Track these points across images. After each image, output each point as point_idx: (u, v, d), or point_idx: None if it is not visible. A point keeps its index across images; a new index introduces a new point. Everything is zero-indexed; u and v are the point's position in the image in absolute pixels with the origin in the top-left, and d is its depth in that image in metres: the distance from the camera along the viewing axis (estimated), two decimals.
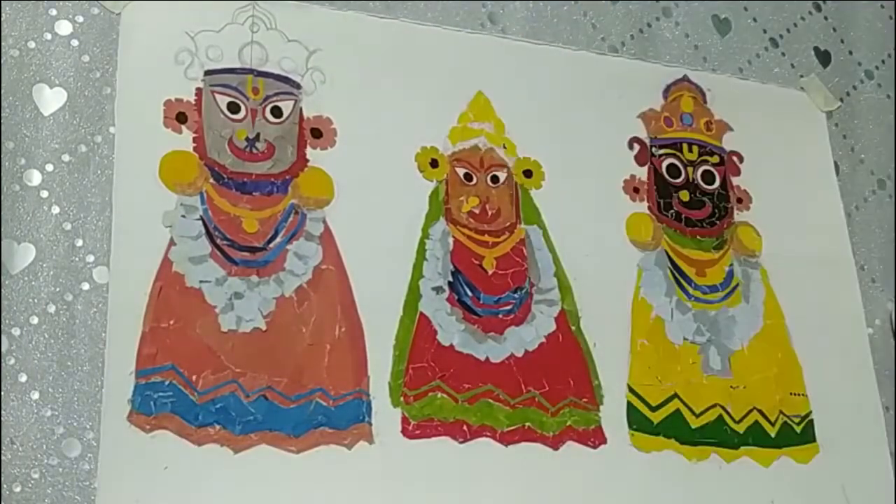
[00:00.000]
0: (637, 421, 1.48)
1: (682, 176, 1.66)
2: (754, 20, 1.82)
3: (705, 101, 1.72)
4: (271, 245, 1.38)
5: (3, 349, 1.23)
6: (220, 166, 1.39)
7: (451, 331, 1.42)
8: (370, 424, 1.34)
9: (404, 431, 1.36)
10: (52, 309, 1.26)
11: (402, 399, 1.37)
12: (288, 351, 1.34)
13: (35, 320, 1.25)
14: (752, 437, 1.53)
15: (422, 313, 1.42)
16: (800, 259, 1.67)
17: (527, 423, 1.41)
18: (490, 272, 1.48)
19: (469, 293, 1.45)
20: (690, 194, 1.65)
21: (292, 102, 1.45)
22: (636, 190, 1.62)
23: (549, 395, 1.44)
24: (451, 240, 1.47)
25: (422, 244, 1.46)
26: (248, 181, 1.40)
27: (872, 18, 1.92)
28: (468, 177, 1.51)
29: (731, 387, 1.55)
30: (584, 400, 1.46)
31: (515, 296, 1.48)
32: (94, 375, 1.25)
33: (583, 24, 1.68)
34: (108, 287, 1.29)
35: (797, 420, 1.57)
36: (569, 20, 1.68)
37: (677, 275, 1.58)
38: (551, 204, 1.54)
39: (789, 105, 1.79)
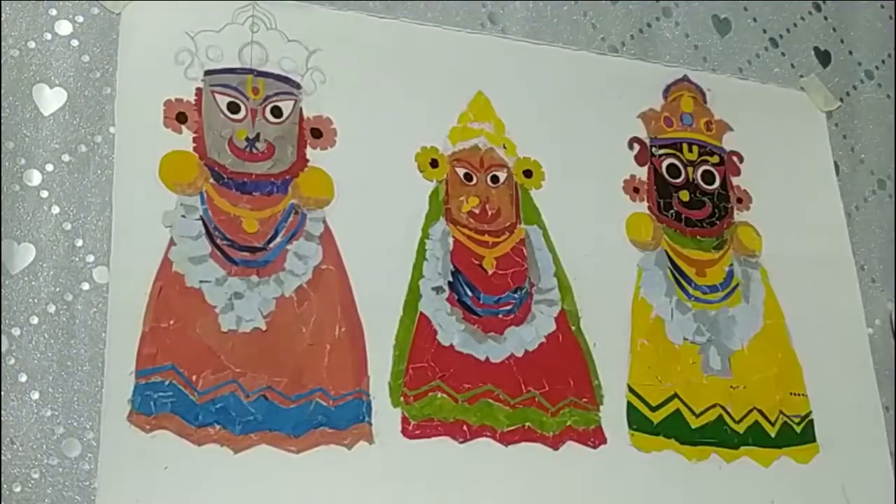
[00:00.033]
0: (637, 421, 1.48)
1: (682, 176, 1.66)
2: (754, 20, 1.82)
3: (705, 101, 1.72)
4: (271, 245, 1.38)
5: (3, 349, 1.23)
6: (220, 166, 1.39)
7: (451, 331, 1.42)
8: (370, 424, 1.34)
9: (404, 431, 1.36)
10: (52, 309, 1.26)
11: (402, 399, 1.37)
12: (288, 351, 1.34)
13: (35, 320, 1.25)
14: (752, 437, 1.53)
15: (422, 313, 1.42)
16: (800, 259, 1.67)
17: (527, 423, 1.41)
18: (490, 272, 1.48)
19: (469, 293, 1.45)
20: (690, 194, 1.65)
21: (292, 102, 1.45)
22: (636, 190, 1.62)
23: (549, 395, 1.44)
24: (451, 240, 1.47)
25: (422, 244, 1.46)
26: (248, 181, 1.40)
27: (872, 18, 1.92)
28: (468, 177, 1.51)
29: (731, 387, 1.55)
30: (584, 400, 1.46)
31: (515, 296, 1.48)
32: (94, 375, 1.25)
33: (583, 24, 1.68)
34: (108, 287, 1.29)
35: (797, 420, 1.57)
36: (569, 20, 1.68)
37: (677, 275, 1.58)
38: (551, 204, 1.54)
39: (789, 105, 1.79)
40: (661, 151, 1.66)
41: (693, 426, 1.50)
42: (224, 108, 1.42)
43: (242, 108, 1.43)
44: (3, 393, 1.21)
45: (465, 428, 1.39)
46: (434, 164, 1.50)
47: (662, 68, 1.72)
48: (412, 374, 1.38)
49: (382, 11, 1.56)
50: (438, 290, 1.44)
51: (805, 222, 1.71)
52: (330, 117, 1.46)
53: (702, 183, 1.66)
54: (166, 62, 1.41)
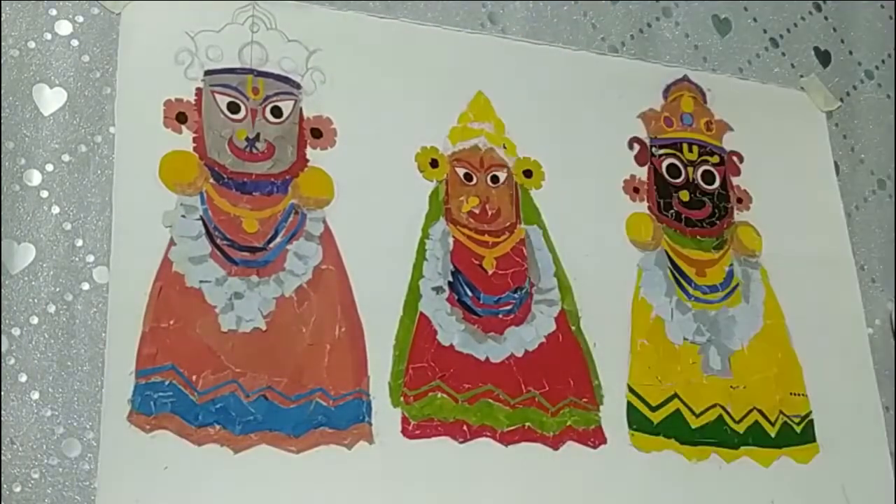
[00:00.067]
0: (637, 421, 1.48)
1: (682, 176, 1.66)
2: (754, 20, 1.82)
3: (705, 101, 1.72)
4: (271, 245, 1.38)
5: (3, 349, 1.23)
6: (220, 166, 1.39)
7: (451, 331, 1.42)
8: (370, 424, 1.34)
9: (404, 431, 1.36)
10: (52, 309, 1.26)
11: (402, 399, 1.37)
12: (288, 351, 1.34)
13: (35, 320, 1.25)
14: (752, 437, 1.53)
15: (422, 313, 1.42)
16: (800, 259, 1.67)
17: (527, 423, 1.41)
18: (490, 272, 1.48)
19: (469, 293, 1.45)
20: (690, 194, 1.65)
21: (292, 102, 1.45)
22: (636, 190, 1.62)
23: (549, 395, 1.44)
24: (451, 240, 1.47)
25: (422, 244, 1.46)
26: (248, 181, 1.40)
27: (872, 18, 1.92)
28: (468, 177, 1.51)
29: (731, 387, 1.55)
30: (584, 400, 1.46)
31: (515, 296, 1.48)
32: (94, 375, 1.25)
33: (583, 24, 1.68)
34: (108, 287, 1.29)
35: (797, 420, 1.57)
36: (569, 20, 1.68)
37: (677, 275, 1.58)
38: (551, 204, 1.54)
39: (789, 105, 1.79)
40: (661, 151, 1.66)
41: (693, 426, 1.50)
42: (224, 108, 1.42)
43: (242, 108, 1.43)
44: (3, 393, 1.21)
45: (465, 428, 1.39)
46: (434, 164, 1.50)
47: (662, 68, 1.72)
48: (412, 374, 1.38)
49: (382, 11, 1.56)
50: (438, 290, 1.44)
51: (805, 222, 1.71)
52: (330, 117, 1.46)
53: (702, 183, 1.66)
54: (166, 62, 1.41)
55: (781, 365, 1.59)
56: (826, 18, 1.88)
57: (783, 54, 1.82)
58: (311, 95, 1.47)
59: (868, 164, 1.81)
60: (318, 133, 1.45)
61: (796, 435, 1.56)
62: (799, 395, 1.58)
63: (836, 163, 1.78)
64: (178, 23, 1.43)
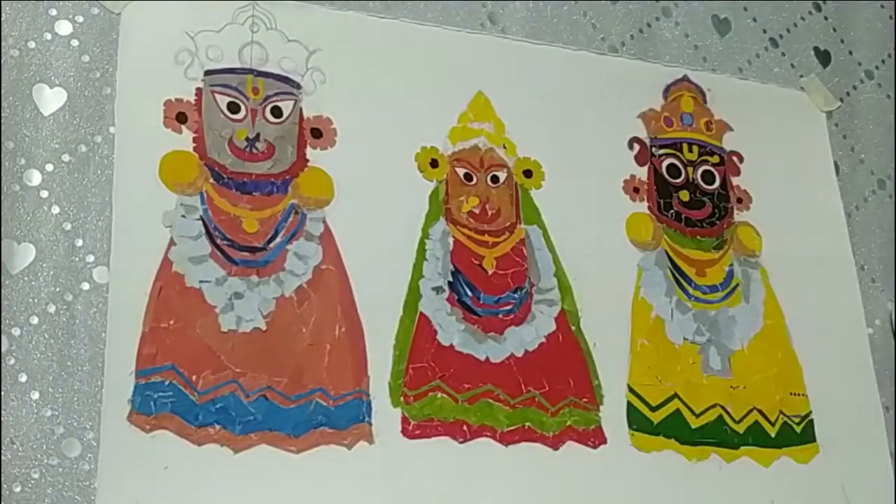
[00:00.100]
0: (637, 421, 1.48)
1: (682, 176, 1.66)
2: (754, 20, 1.82)
3: (705, 101, 1.72)
4: (271, 245, 1.38)
5: (3, 349, 1.23)
6: (220, 166, 1.39)
7: (451, 331, 1.42)
8: (370, 424, 1.34)
9: (404, 431, 1.36)
10: (52, 309, 1.26)
11: (402, 399, 1.37)
12: (288, 351, 1.34)
13: (35, 320, 1.25)
14: (752, 437, 1.53)
15: (422, 313, 1.42)
16: (800, 259, 1.67)
17: (527, 423, 1.41)
18: (490, 272, 1.48)
19: (469, 293, 1.45)
20: (690, 194, 1.65)
21: (292, 102, 1.45)
22: (636, 190, 1.62)
23: (549, 395, 1.44)
24: (451, 240, 1.47)
25: (422, 244, 1.46)
26: (248, 181, 1.40)
27: (872, 18, 1.92)
28: (468, 177, 1.51)
29: (731, 387, 1.55)
30: (584, 400, 1.45)
31: (515, 296, 1.48)
32: (94, 375, 1.25)
33: (583, 24, 1.68)
34: (108, 287, 1.29)
35: (797, 420, 1.57)
36: (569, 20, 1.68)
37: (677, 275, 1.58)
38: (551, 204, 1.54)
39: (789, 105, 1.79)
40: (661, 151, 1.66)
41: (693, 426, 1.50)
42: (224, 108, 1.42)
43: (242, 108, 1.43)
44: (3, 393, 1.21)
45: (465, 428, 1.39)
46: (434, 164, 1.50)
47: (662, 68, 1.72)
48: (412, 374, 1.38)
49: (382, 11, 1.56)
50: (438, 290, 1.44)
51: (805, 222, 1.71)
52: (330, 117, 1.46)
53: (702, 183, 1.66)
54: (166, 62, 1.41)
55: (781, 365, 1.59)
56: (826, 18, 1.88)
57: (783, 54, 1.82)
58: (311, 95, 1.47)
59: (868, 164, 1.81)
60: (318, 133, 1.45)
61: (796, 435, 1.56)
62: (799, 395, 1.58)
63: (836, 163, 1.78)
64: (178, 23, 1.43)
